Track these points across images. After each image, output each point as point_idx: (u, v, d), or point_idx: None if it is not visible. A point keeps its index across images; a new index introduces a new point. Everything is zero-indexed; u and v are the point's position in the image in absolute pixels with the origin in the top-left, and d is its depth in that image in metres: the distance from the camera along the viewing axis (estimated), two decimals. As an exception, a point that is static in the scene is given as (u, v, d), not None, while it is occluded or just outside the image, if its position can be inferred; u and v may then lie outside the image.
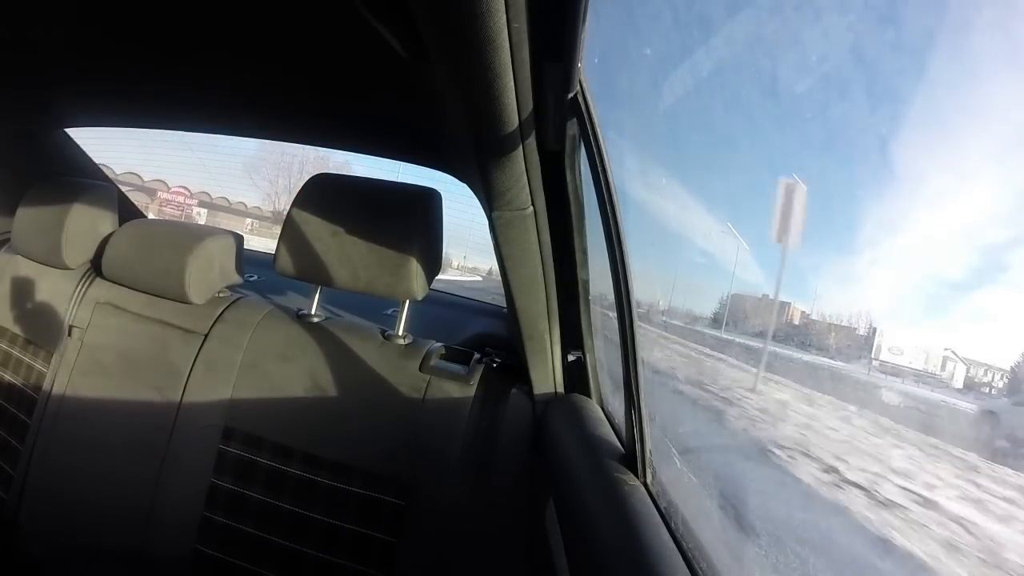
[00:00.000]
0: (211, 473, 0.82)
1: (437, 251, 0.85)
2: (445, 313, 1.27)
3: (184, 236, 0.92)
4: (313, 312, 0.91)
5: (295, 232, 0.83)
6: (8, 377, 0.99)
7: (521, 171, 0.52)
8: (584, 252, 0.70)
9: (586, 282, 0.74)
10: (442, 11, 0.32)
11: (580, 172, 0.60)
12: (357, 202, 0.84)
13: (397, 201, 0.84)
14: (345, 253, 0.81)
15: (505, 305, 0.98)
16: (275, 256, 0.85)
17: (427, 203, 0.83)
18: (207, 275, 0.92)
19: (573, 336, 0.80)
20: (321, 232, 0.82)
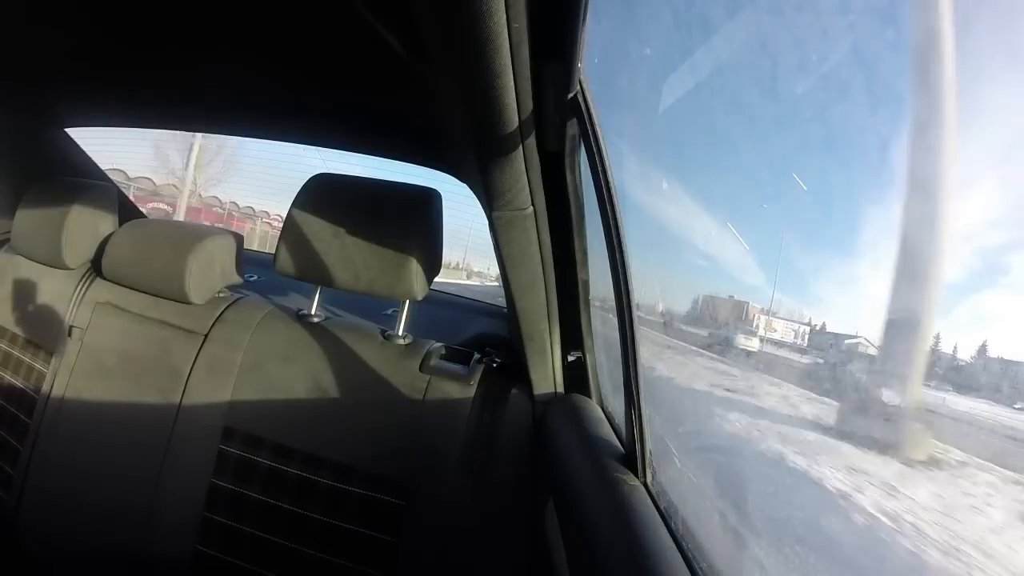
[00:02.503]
0: (211, 473, 0.82)
1: (437, 251, 0.85)
2: (445, 313, 1.27)
3: (184, 236, 0.92)
4: (313, 312, 0.91)
5: (295, 232, 0.83)
6: (8, 377, 0.99)
7: (521, 171, 0.52)
8: (584, 252, 0.70)
9: (586, 282, 0.74)
10: (442, 11, 0.32)
11: (580, 172, 0.60)
12: (357, 202, 0.84)
13: (397, 201, 0.84)
14: (345, 253, 0.81)
15: (505, 305, 0.98)
16: (275, 256, 0.85)
17: (427, 203, 0.83)
18: (207, 275, 0.92)
19: (573, 336, 0.80)
20: (321, 232, 0.82)
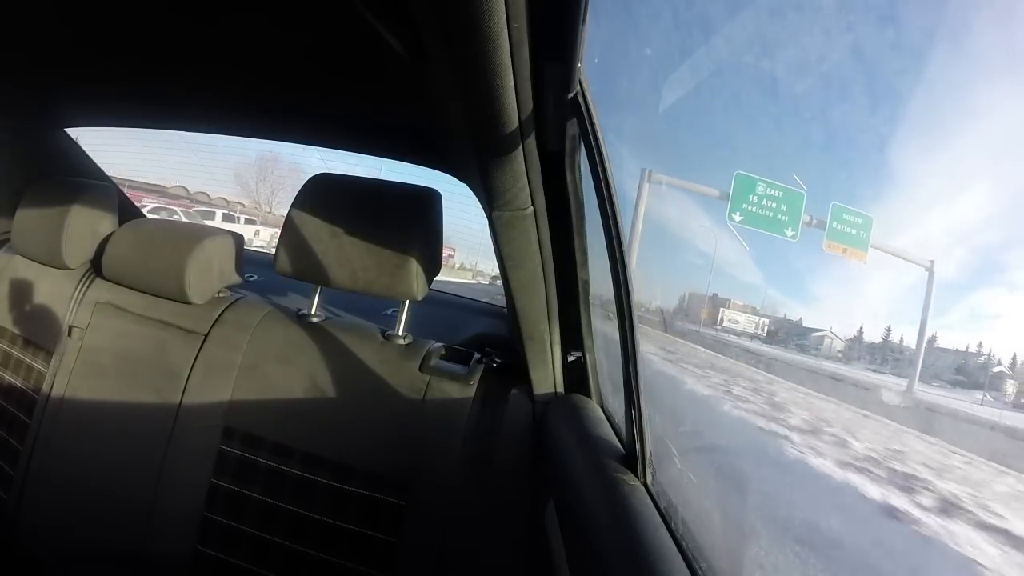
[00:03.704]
0: (211, 473, 0.82)
1: (437, 251, 0.85)
2: (445, 313, 1.27)
3: (184, 236, 0.92)
4: (313, 312, 0.91)
5: (295, 232, 0.83)
6: (8, 377, 0.99)
7: (521, 171, 0.52)
8: (584, 252, 0.70)
9: (586, 282, 0.74)
10: (442, 11, 0.32)
11: (580, 172, 0.60)
12: (357, 202, 0.84)
13: (397, 201, 0.84)
14: (345, 253, 0.81)
15: (505, 305, 0.98)
16: (275, 256, 0.85)
17: (427, 203, 0.83)
18: (207, 275, 0.92)
19: (573, 336, 0.80)
20: (321, 232, 0.82)
